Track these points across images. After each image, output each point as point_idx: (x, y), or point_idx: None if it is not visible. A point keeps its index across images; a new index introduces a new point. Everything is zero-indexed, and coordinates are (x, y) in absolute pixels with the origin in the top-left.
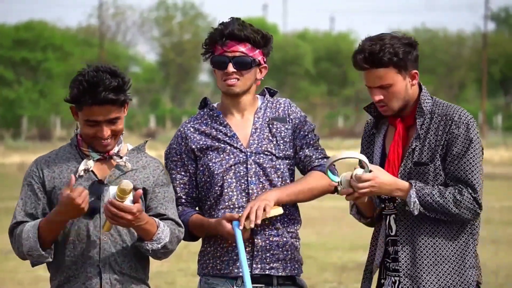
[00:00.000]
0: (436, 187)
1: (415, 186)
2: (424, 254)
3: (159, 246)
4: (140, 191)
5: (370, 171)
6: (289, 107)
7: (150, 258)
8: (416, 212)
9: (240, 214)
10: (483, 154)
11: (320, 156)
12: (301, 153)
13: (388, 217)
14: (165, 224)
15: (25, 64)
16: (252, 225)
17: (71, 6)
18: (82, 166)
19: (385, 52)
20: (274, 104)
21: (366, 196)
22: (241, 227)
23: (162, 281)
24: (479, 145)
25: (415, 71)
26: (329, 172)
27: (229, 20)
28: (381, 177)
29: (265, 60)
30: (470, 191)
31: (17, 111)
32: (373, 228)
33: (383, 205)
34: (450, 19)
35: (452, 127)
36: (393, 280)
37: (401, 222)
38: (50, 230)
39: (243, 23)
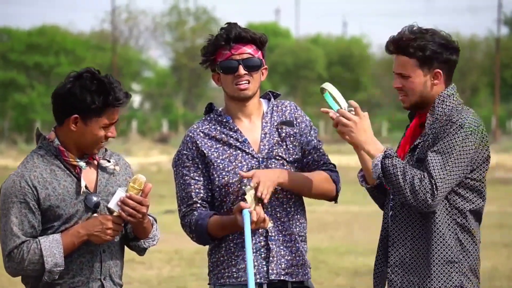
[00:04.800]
0: (406, 164)
1: (387, 151)
2: (413, 257)
3: (155, 243)
4: (150, 185)
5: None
6: (296, 111)
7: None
8: (374, 176)
9: (246, 203)
10: (477, 164)
11: (327, 162)
12: (309, 157)
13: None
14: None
15: (38, 68)
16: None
17: (84, 11)
18: (83, 183)
19: (414, 44)
20: (279, 107)
21: (346, 138)
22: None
23: (174, 285)
24: (466, 150)
25: (438, 70)
26: (328, 97)
27: (228, 24)
28: (363, 124)
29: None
30: (431, 181)
31: (29, 116)
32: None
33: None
34: (463, 23)
35: (447, 125)
36: None
37: (395, 221)
38: (72, 248)
39: (242, 27)
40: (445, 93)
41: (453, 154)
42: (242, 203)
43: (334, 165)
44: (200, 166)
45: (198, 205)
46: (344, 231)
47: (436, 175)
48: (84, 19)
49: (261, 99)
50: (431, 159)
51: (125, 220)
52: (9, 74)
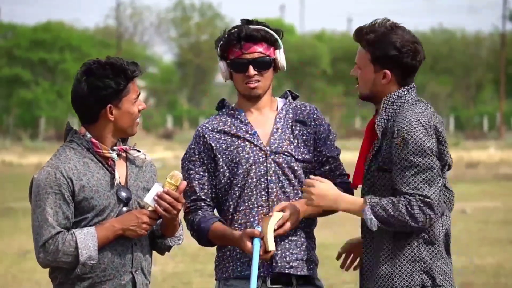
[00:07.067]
0: (389, 199)
1: (370, 202)
2: (382, 261)
3: (180, 242)
4: (185, 182)
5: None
6: (315, 113)
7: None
8: (374, 229)
9: (259, 230)
10: (428, 166)
11: (343, 172)
12: (327, 167)
13: None
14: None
15: (43, 65)
16: (273, 248)
17: (89, 7)
18: (117, 175)
19: (370, 39)
20: (298, 107)
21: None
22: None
23: (179, 281)
24: (418, 159)
25: (386, 71)
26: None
27: (242, 22)
28: (321, 188)
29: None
30: (421, 199)
31: (34, 112)
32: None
33: None
34: (468, 20)
35: (393, 139)
36: None
37: (364, 227)
38: (106, 241)
39: (256, 23)
40: (394, 95)
41: (415, 167)
42: (256, 230)
43: (348, 175)
44: (205, 161)
45: (203, 203)
46: (349, 227)
47: (421, 191)
48: (89, 16)
49: (278, 98)
50: (403, 179)
51: (160, 215)
52: (14, 70)
